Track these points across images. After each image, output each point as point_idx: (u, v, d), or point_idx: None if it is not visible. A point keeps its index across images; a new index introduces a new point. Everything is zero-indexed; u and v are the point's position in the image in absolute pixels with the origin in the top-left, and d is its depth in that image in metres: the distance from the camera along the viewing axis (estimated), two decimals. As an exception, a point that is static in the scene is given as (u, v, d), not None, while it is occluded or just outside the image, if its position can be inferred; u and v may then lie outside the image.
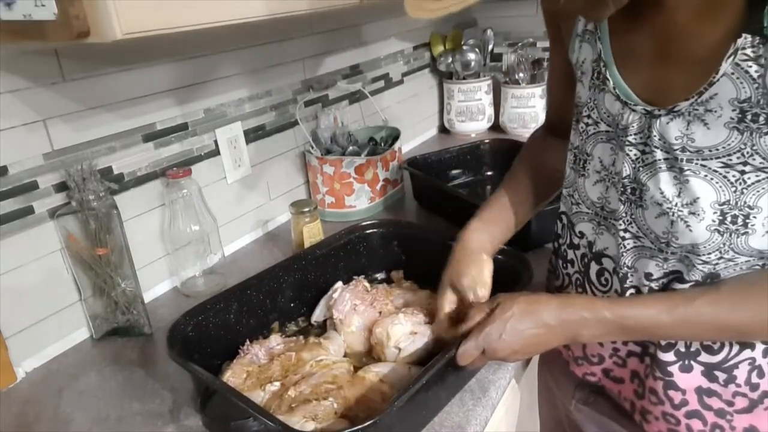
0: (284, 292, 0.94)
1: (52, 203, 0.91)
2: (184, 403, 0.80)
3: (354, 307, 0.89)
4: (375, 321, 0.86)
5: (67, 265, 0.94)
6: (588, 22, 0.68)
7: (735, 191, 0.57)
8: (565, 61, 0.76)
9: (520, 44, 1.83)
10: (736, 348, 0.64)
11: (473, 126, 1.90)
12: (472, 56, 1.81)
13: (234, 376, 0.77)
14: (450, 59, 1.83)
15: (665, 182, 0.61)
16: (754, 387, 0.64)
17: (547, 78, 0.89)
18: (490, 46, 1.87)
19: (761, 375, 0.64)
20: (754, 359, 0.63)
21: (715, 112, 0.56)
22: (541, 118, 1.85)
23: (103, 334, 0.97)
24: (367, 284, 0.95)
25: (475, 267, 0.78)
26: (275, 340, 0.85)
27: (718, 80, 0.55)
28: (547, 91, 0.91)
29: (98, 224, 0.91)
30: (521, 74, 1.82)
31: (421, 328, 0.83)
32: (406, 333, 0.82)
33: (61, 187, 0.92)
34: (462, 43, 1.87)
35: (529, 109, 1.83)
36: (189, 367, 0.70)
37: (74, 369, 0.90)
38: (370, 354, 0.86)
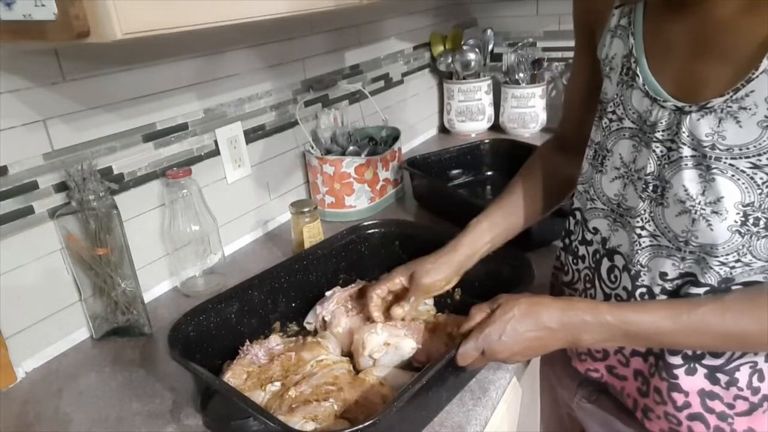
0: (286, 292, 0.94)
1: (52, 203, 0.91)
2: (184, 403, 0.80)
3: (345, 308, 0.88)
4: (358, 327, 0.85)
5: (67, 265, 0.94)
6: (622, 17, 0.67)
7: (761, 194, 0.57)
8: (592, 69, 0.75)
9: (520, 44, 1.83)
10: (738, 351, 0.63)
11: (473, 126, 1.90)
12: (472, 56, 1.81)
13: (234, 376, 0.77)
14: (450, 59, 1.83)
15: (690, 180, 0.60)
16: (755, 390, 0.64)
17: (568, 87, 0.87)
18: (490, 46, 1.87)
19: (762, 378, 0.64)
20: (755, 363, 0.63)
21: (750, 110, 0.55)
22: (542, 117, 1.85)
23: (103, 334, 0.97)
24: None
25: (444, 275, 0.82)
26: (275, 341, 0.85)
27: (757, 77, 0.54)
28: (566, 101, 0.88)
29: (98, 224, 0.91)
30: (521, 74, 1.82)
31: (397, 341, 0.81)
32: (380, 343, 0.80)
33: (61, 187, 0.92)
34: (462, 43, 1.86)
35: (529, 109, 1.83)
36: (190, 367, 0.70)
37: (74, 369, 0.90)
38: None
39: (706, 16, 0.58)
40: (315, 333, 0.92)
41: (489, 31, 1.87)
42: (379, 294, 0.85)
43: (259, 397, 0.74)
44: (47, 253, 0.91)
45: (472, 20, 2.02)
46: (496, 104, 1.91)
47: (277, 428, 0.62)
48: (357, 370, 0.81)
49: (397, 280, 0.84)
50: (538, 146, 0.93)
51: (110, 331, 0.97)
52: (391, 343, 0.80)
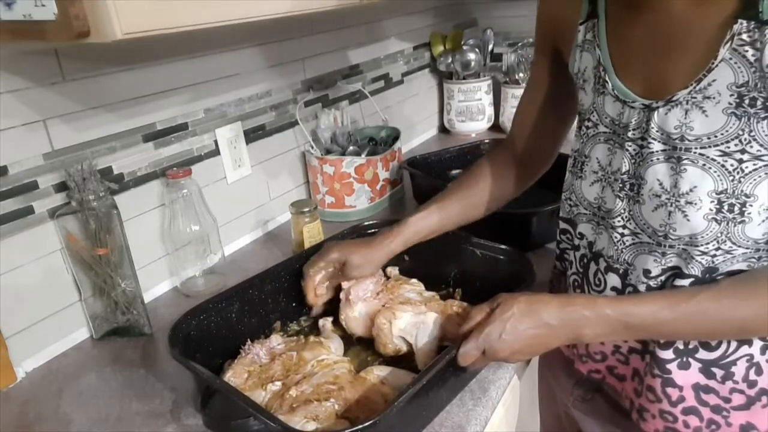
0: (286, 291, 0.94)
1: (52, 203, 0.91)
2: (184, 403, 0.80)
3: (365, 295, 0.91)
4: (377, 312, 0.87)
5: (67, 265, 0.94)
6: (587, 32, 0.69)
7: (733, 180, 0.58)
8: (553, 77, 0.79)
9: (520, 44, 1.83)
10: (734, 345, 0.64)
11: (473, 126, 1.90)
12: (472, 56, 1.81)
13: (235, 376, 0.77)
14: (450, 59, 1.83)
15: (663, 173, 0.62)
16: (751, 384, 0.65)
17: (530, 103, 0.87)
18: (490, 46, 1.87)
19: (759, 372, 0.64)
20: (752, 356, 0.64)
21: (714, 98, 0.57)
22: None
23: (103, 334, 0.97)
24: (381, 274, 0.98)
25: (371, 270, 0.88)
26: (276, 340, 0.85)
27: (716, 66, 0.56)
28: (525, 113, 0.88)
29: (98, 224, 0.91)
30: (521, 74, 1.82)
31: (421, 317, 0.83)
32: (410, 323, 0.83)
33: (61, 187, 0.92)
34: (462, 43, 1.86)
35: (529, 109, 1.83)
36: (190, 366, 0.70)
37: (74, 369, 0.90)
38: (371, 345, 0.87)
39: (662, 15, 0.60)
40: (317, 333, 0.92)
41: (489, 31, 1.87)
42: (312, 275, 0.90)
43: (260, 396, 0.74)
44: (47, 253, 0.91)
45: (472, 20, 2.02)
46: (496, 104, 1.91)
47: (277, 428, 0.62)
48: (382, 355, 0.85)
49: (334, 256, 0.88)
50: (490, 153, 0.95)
51: (110, 331, 0.97)
52: (417, 320, 0.83)
